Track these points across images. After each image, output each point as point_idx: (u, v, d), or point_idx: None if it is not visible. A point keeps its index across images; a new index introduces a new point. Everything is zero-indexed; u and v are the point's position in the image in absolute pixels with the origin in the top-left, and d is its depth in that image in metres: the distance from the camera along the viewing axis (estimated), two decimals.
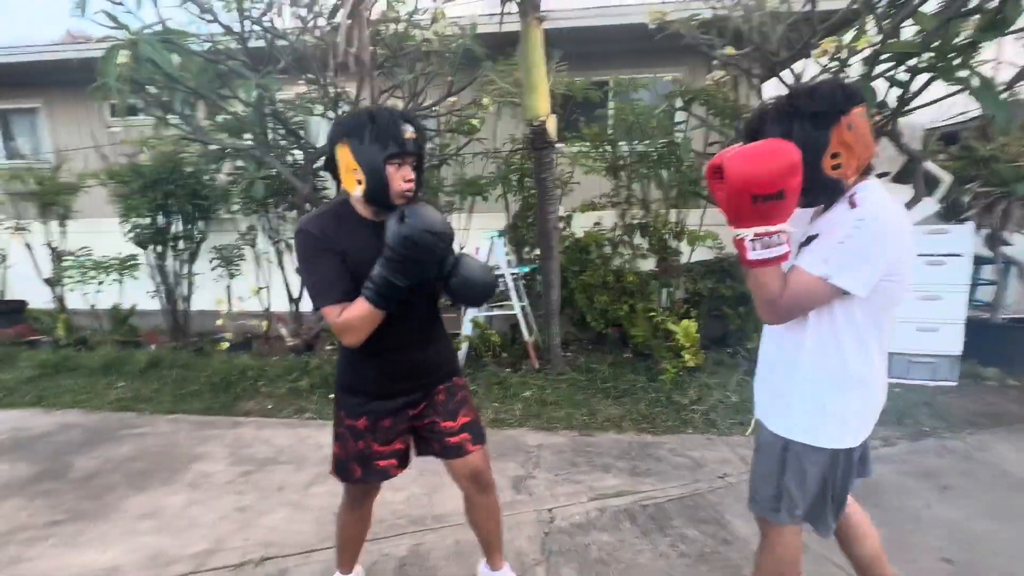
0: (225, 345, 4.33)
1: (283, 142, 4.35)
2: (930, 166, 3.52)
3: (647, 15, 3.64)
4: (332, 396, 1.61)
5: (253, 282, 5.09)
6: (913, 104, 3.12)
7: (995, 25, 2.57)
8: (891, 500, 2.38)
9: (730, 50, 3.29)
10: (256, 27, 3.92)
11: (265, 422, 3.43)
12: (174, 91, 3.46)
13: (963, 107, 3.96)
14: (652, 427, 3.18)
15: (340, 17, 3.61)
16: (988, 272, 4.27)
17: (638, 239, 4.52)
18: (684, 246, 4.34)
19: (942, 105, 3.15)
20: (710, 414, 3.26)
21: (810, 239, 1.19)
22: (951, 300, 3.63)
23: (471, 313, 4.19)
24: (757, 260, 1.11)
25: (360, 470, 1.51)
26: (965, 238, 3.60)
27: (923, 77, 2.91)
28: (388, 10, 4.06)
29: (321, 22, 3.90)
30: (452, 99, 4.33)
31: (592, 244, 4.64)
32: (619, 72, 4.47)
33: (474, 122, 4.48)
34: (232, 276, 5.13)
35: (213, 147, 4.17)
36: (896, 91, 3.03)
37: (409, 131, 1.31)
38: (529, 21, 3.41)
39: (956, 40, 2.67)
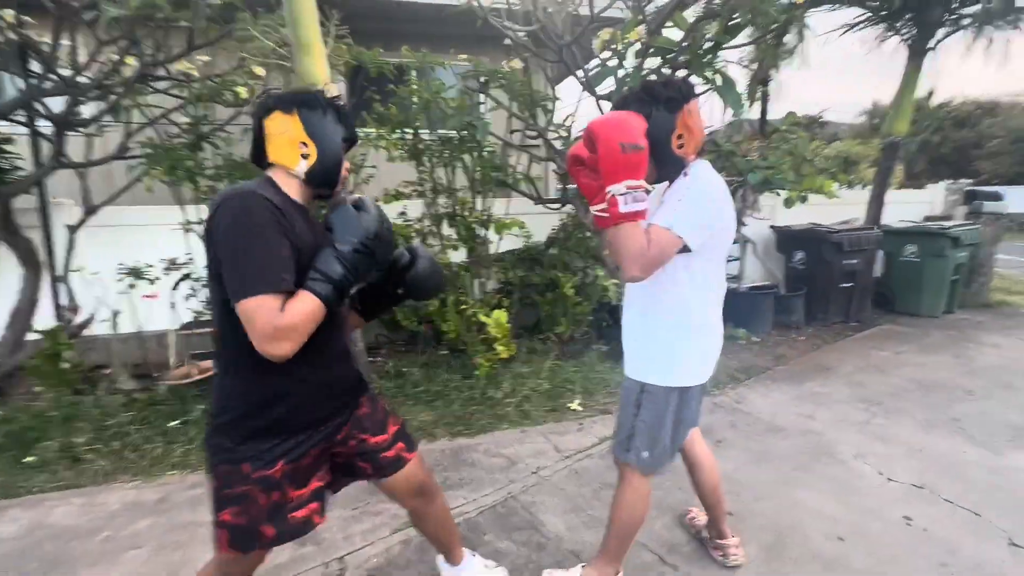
0: None
1: None
2: None
3: None
4: (207, 443, 1.20)
5: None
6: None
7: (729, 30, 2.95)
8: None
9: (521, 31, 3.21)
10: None
11: None
12: None
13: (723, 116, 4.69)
14: (467, 428, 2.95)
15: None
16: (734, 250, 5.12)
17: (446, 229, 4.27)
18: (492, 235, 4.23)
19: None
20: (524, 405, 3.17)
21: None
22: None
23: None
24: (628, 212, 1.27)
25: (273, 530, 1.19)
26: None
27: (681, 73, 3.22)
28: None
29: None
30: (203, 58, 3.46)
31: (399, 237, 4.23)
32: (415, 52, 4.13)
33: (240, 90, 3.66)
34: None
35: None
36: None
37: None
38: None
39: (703, 41, 3.00)
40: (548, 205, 4.36)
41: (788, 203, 4.06)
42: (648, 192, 1.30)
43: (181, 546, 1.99)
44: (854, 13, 5.31)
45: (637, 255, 1.29)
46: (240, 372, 1.17)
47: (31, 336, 3.31)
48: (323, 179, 1.22)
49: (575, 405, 3.19)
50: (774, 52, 4.01)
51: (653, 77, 3.27)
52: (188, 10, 2.96)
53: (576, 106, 4.17)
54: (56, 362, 3.02)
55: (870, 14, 5.23)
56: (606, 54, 3.32)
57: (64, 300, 3.50)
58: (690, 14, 3.32)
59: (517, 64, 3.88)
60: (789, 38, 4.01)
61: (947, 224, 5.39)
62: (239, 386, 1.18)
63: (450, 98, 3.70)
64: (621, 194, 1.26)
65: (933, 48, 5.20)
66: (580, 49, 3.59)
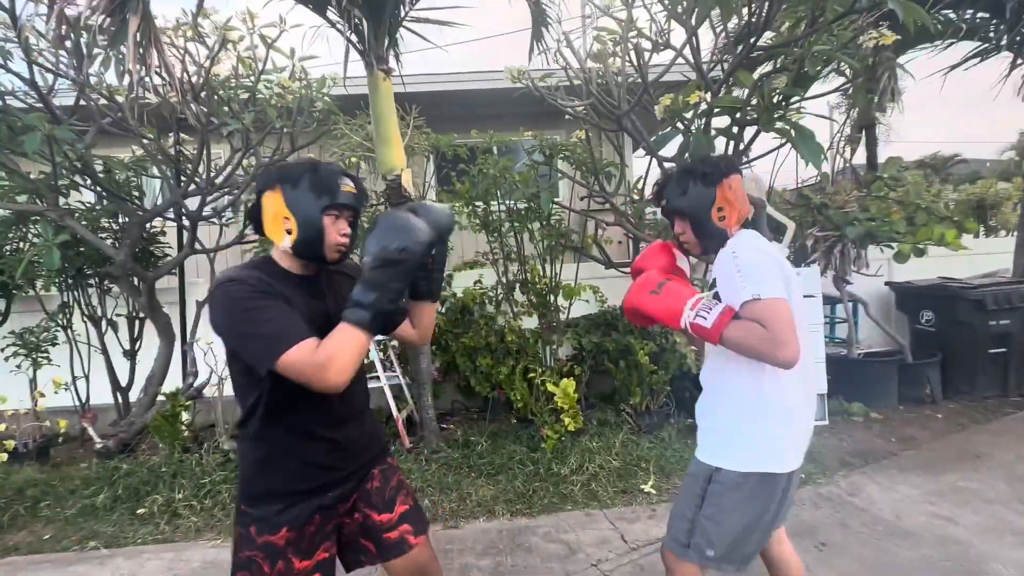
0: (2, 456, 3.37)
1: (99, 205, 3.73)
2: (774, 213, 3.71)
3: (507, 75, 3.65)
4: (237, 512, 1.26)
5: (66, 372, 4.17)
6: (751, 156, 3.31)
7: (799, 81, 2.79)
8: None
9: (577, 105, 3.32)
10: (63, 78, 3.40)
11: (29, 561, 2.58)
12: None
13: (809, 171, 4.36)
14: (528, 507, 2.79)
15: (179, 72, 3.25)
16: (839, 311, 4.53)
17: (519, 295, 4.32)
18: (562, 300, 4.20)
19: (784, 166, 3.38)
20: (591, 484, 2.95)
21: (711, 286, 1.41)
22: (812, 340, 3.74)
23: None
24: (716, 321, 1.26)
25: None
26: (814, 279, 3.78)
27: (751, 130, 3.08)
28: (240, 65, 3.74)
29: (155, 79, 3.49)
30: (308, 155, 4.02)
31: (471, 303, 4.37)
32: (485, 133, 4.47)
33: None
34: (38, 365, 4.18)
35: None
36: (731, 144, 3.19)
37: (349, 184, 1.24)
38: (375, 73, 3.24)
39: (771, 95, 2.86)
40: (620, 269, 4.26)
41: (899, 257, 3.55)
42: (710, 296, 1.33)
43: None
44: (966, 47, 4.75)
45: (765, 339, 1.21)
46: (250, 434, 1.22)
47: (161, 399, 3.84)
48: (306, 252, 1.20)
49: (648, 487, 2.90)
50: (865, 97, 3.70)
51: (721, 138, 3.16)
52: (292, 120, 3.50)
53: (647, 169, 4.14)
54: (174, 422, 3.45)
55: (986, 45, 4.64)
56: (668, 118, 3.30)
57: (188, 366, 4.04)
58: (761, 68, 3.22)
59: (582, 135, 3.99)
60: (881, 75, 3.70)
61: None
62: (250, 448, 1.24)
63: (517, 172, 3.88)
64: (694, 319, 1.29)
65: None
66: (643, 114, 3.61)
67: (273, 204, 1.19)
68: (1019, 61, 4.80)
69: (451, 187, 4.32)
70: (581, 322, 4.37)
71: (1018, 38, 4.45)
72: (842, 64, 3.23)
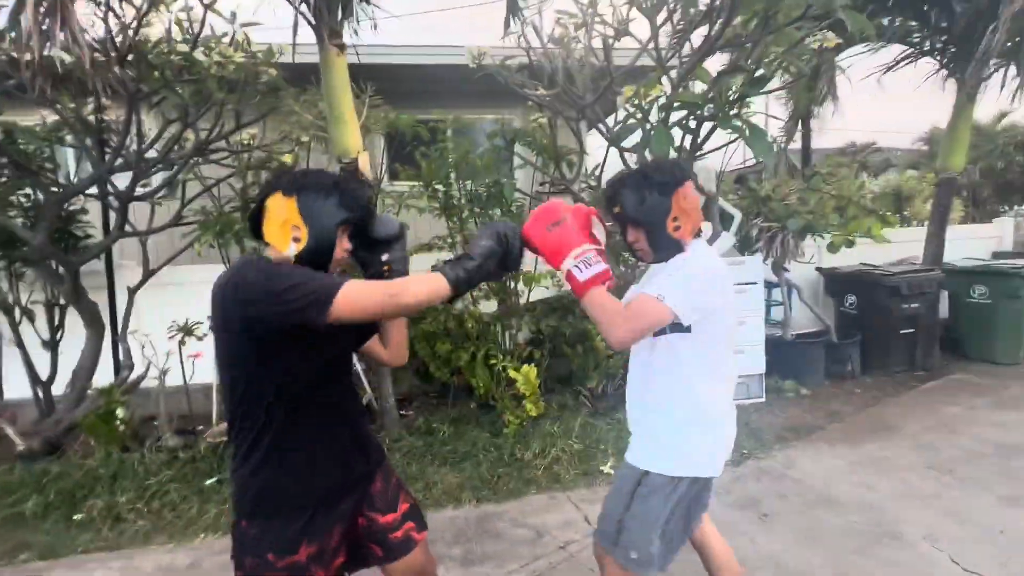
0: None
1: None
2: (723, 204, 3.91)
3: (468, 55, 3.54)
4: (232, 533, 1.21)
5: None
6: (705, 149, 3.43)
7: (755, 82, 2.91)
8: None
9: (541, 90, 3.29)
10: None
11: None
12: None
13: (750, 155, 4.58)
14: (494, 493, 2.86)
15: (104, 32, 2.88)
16: (775, 295, 4.87)
17: None
18: (522, 286, 4.23)
19: (732, 151, 3.53)
20: (553, 467, 3.06)
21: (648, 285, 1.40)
22: (753, 323, 4.01)
23: None
24: (589, 278, 1.27)
25: None
26: (757, 267, 4.04)
27: (708, 125, 3.19)
28: (175, 29, 3.36)
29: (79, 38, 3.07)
30: (252, 131, 3.74)
31: None
32: (446, 112, 4.32)
33: (286, 158, 3.92)
34: None
35: None
36: (688, 138, 3.30)
37: (366, 201, 1.28)
38: (327, 48, 3.04)
39: (728, 94, 2.97)
40: None
41: (832, 248, 3.85)
42: (600, 251, 1.31)
43: None
44: (896, 51, 5.13)
45: (614, 317, 1.28)
46: (251, 453, 1.17)
47: (91, 393, 3.54)
48: (311, 262, 1.20)
49: (608, 468, 3.05)
50: (807, 96, 3.92)
51: (678, 130, 3.25)
52: (236, 94, 3.23)
53: (605, 156, 4.20)
54: (110, 420, 3.20)
55: (912, 50, 5.03)
56: (630, 109, 3.34)
57: (121, 358, 3.74)
58: (714, 63, 3.32)
59: (542, 119, 3.96)
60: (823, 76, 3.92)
61: (1020, 262, 4.95)
62: (254, 467, 1.17)
63: (478, 156, 3.81)
64: (573, 266, 1.28)
65: (986, 79, 4.92)
66: (604, 103, 3.63)
67: (284, 210, 1.18)
68: (937, 68, 5.24)
69: (409, 166, 4.20)
70: (538, 306, 4.43)
71: (938, 45, 4.86)
72: (790, 67, 3.39)
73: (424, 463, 3.16)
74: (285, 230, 1.18)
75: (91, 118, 3.54)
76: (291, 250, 1.18)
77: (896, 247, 5.45)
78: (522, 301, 4.27)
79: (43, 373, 3.79)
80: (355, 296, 1.07)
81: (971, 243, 6.21)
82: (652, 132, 3.21)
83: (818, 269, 5.14)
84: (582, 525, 2.53)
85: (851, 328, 4.84)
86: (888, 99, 6.83)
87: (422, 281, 1.14)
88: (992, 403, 3.90)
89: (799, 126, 6.70)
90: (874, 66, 5.34)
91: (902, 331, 4.65)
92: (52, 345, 3.82)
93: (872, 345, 4.69)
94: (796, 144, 7.66)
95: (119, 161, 3.54)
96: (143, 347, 3.50)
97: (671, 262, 1.40)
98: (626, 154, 3.52)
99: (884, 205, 5.32)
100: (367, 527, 1.31)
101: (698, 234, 1.45)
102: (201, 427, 3.65)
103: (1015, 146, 8.67)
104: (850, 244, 3.82)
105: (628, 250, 1.51)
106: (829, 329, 4.72)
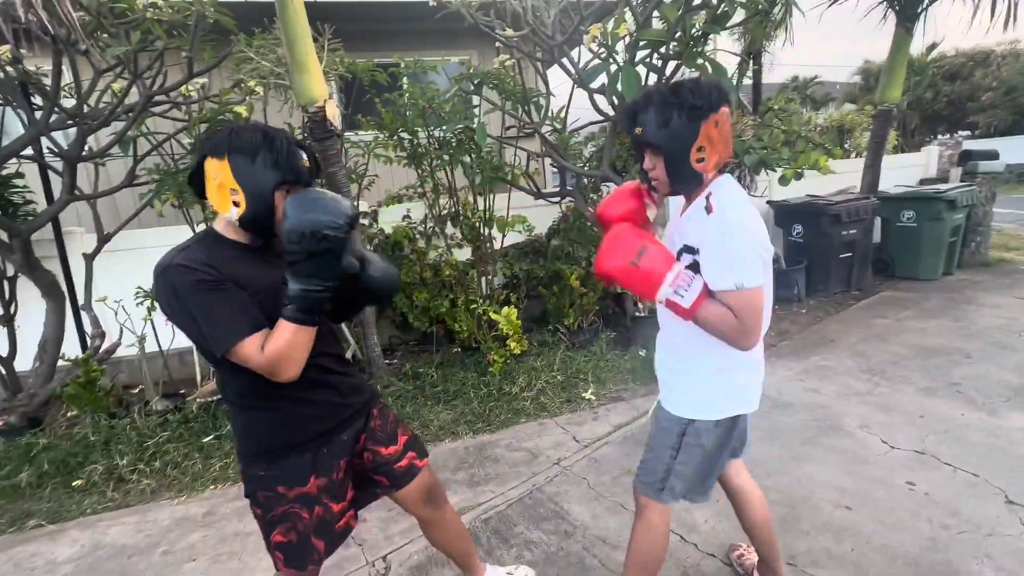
0: None
1: None
2: None
3: None
4: (242, 477, 1.29)
5: None
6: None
7: (717, 19, 2.99)
8: None
9: (509, 31, 3.25)
10: None
11: None
12: None
13: None
14: (487, 424, 3.08)
15: None
16: None
17: (450, 229, 4.35)
18: (496, 232, 4.32)
19: None
20: (540, 398, 3.30)
21: (687, 248, 1.30)
22: None
23: None
24: (693, 303, 1.22)
25: (322, 543, 1.29)
26: None
27: (673, 65, 3.27)
28: None
29: None
30: (201, 80, 3.51)
31: (404, 239, 4.33)
32: (405, 54, 4.15)
33: (240, 110, 3.71)
34: None
35: None
36: (653, 76, 3.37)
37: (303, 158, 1.20)
38: None
39: (692, 31, 3.04)
40: (548, 199, 4.43)
41: (783, 181, 4.10)
42: (690, 274, 1.25)
43: (235, 555, 2.14)
44: None
45: (734, 328, 1.21)
46: (245, 404, 1.23)
47: (61, 365, 3.44)
48: (255, 227, 1.18)
49: (588, 394, 3.32)
50: (763, 32, 4.04)
51: (643, 69, 3.31)
52: (183, 38, 3.01)
53: (569, 97, 4.22)
54: (91, 388, 3.15)
55: None
56: (596, 49, 3.36)
57: (89, 328, 3.62)
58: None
59: (509, 61, 3.91)
60: (777, 10, 4.02)
61: (943, 187, 5.45)
62: (249, 417, 1.24)
63: (445, 102, 3.75)
64: (672, 296, 1.23)
65: (924, 10, 5.18)
66: (571, 43, 3.61)
67: (219, 173, 1.14)
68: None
69: (369, 115, 4.07)
70: (511, 251, 4.55)
71: None
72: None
73: (417, 404, 3.34)
74: (223, 194, 1.15)
75: (9, 69, 3.21)
76: (233, 214, 1.15)
77: (838, 179, 5.85)
78: (496, 247, 4.37)
79: (2, 349, 3.63)
80: (242, 356, 1.10)
81: (902, 172, 6.73)
82: (620, 72, 3.26)
83: (769, 202, 5.47)
84: (571, 444, 2.80)
85: (797, 255, 5.26)
86: (826, 34, 7.05)
87: (293, 348, 1.12)
88: (915, 314, 4.43)
89: (751, 62, 6.84)
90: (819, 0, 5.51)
91: (841, 256, 5.10)
92: (7, 320, 3.64)
93: (815, 270, 5.14)
94: (747, 80, 7.88)
95: (53, 118, 3.27)
96: (116, 314, 3.40)
97: (699, 222, 1.27)
98: (594, 95, 3.57)
99: (829, 139, 5.63)
100: (372, 460, 1.39)
101: (723, 168, 1.31)
102: (183, 391, 3.65)
103: (943, 77, 9.18)
104: (799, 176, 4.09)
105: (641, 176, 1.36)
106: (779, 258, 5.11)
